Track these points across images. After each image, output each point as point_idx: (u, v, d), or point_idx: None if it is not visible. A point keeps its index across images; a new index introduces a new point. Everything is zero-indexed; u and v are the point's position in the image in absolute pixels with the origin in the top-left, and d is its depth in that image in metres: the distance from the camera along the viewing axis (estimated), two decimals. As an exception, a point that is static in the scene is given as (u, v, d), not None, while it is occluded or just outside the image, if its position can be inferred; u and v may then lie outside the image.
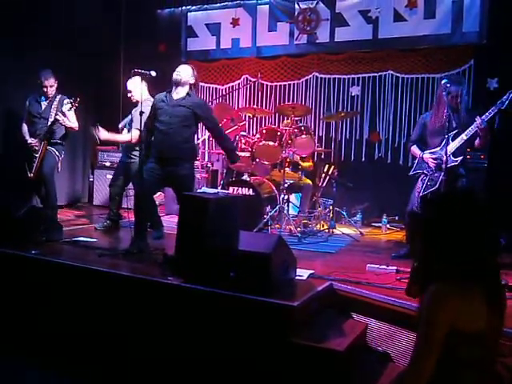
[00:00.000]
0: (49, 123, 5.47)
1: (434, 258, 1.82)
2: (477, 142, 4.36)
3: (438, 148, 4.45)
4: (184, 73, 4.52)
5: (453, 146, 4.34)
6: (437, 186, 4.38)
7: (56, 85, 5.63)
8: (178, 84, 4.50)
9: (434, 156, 4.48)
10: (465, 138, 4.30)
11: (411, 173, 4.73)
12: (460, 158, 4.36)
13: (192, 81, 4.57)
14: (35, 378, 3.53)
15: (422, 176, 4.60)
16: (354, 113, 6.81)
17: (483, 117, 4.15)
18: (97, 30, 7.35)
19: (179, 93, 4.53)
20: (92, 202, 7.54)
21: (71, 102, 5.45)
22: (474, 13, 6.05)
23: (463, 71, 6.25)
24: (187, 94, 4.54)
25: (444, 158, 4.19)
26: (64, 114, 5.47)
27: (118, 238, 5.36)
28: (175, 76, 4.49)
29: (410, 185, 5.47)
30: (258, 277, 3.25)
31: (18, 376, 3.53)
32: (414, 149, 4.72)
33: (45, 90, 5.55)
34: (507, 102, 4.08)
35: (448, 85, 4.23)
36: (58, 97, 5.62)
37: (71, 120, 5.58)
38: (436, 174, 4.43)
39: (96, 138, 5.20)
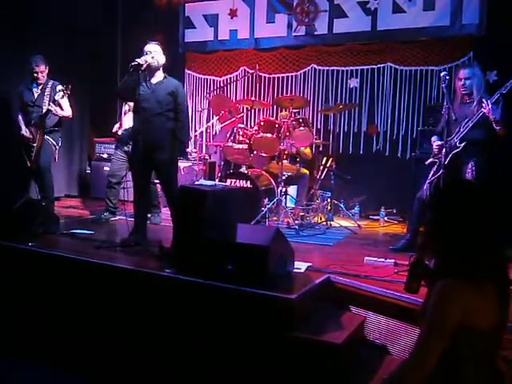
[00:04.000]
0: (41, 113, 5.40)
1: (444, 253, 1.80)
2: (497, 128, 4.26)
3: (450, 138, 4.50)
4: (159, 56, 4.44)
5: (462, 133, 4.36)
6: (440, 172, 4.37)
7: (47, 70, 5.52)
8: (157, 69, 4.45)
9: (439, 142, 4.49)
10: (470, 124, 4.31)
11: (427, 162, 4.69)
12: (463, 144, 4.33)
13: (164, 60, 4.50)
14: (35, 377, 3.52)
15: (435, 165, 4.61)
16: (352, 105, 6.79)
17: (489, 100, 4.19)
18: (94, 20, 7.30)
19: (157, 76, 4.48)
20: (89, 194, 7.52)
21: (63, 90, 5.38)
22: (473, 4, 6.02)
23: (462, 63, 6.21)
24: (164, 76, 4.51)
25: (443, 150, 4.25)
26: (57, 103, 5.40)
27: (116, 230, 5.34)
28: (152, 61, 4.36)
29: (408, 178, 5.47)
30: (255, 269, 3.24)
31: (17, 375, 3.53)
32: (432, 138, 4.74)
33: (35, 75, 5.44)
34: (509, 87, 4.15)
35: (447, 77, 4.28)
36: (50, 83, 5.52)
37: (64, 108, 5.52)
38: (442, 160, 4.43)
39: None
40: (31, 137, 5.41)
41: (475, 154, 4.37)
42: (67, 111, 5.57)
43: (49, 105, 5.38)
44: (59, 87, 5.45)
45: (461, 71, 4.49)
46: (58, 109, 5.43)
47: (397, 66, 6.66)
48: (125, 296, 3.56)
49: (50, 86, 5.51)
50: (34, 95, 5.51)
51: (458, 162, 4.38)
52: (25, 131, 5.43)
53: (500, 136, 4.30)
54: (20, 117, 5.57)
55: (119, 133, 5.70)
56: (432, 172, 4.54)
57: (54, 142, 5.54)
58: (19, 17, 6.36)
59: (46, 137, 5.47)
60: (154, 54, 4.41)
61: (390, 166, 6.58)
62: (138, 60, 4.26)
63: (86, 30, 7.16)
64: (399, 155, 6.66)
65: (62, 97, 5.41)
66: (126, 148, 5.58)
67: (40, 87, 5.51)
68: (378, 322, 3.32)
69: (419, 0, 6.32)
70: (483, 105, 4.21)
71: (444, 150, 4.32)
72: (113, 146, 7.00)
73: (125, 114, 5.66)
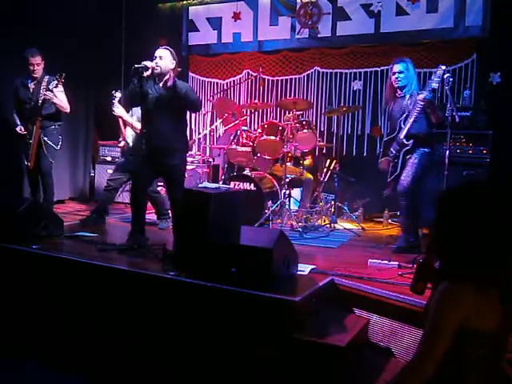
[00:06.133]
0: (38, 104, 5.33)
1: (447, 255, 1.78)
2: (432, 118, 4.51)
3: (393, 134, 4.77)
4: (163, 63, 4.31)
5: (405, 130, 4.55)
6: (397, 171, 4.65)
7: (43, 64, 5.44)
8: (160, 75, 4.32)
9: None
10: (411, 120, 4.47)
11: (380, 161, 4.98)
12: (411, 142, 4.53)
13: (172, 65, 4.35)
14: (35, 378, 3.52)
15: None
16: (355, 107, 6.78)
17: (424, 94, 4.37)
18: (98, 24, 7.32)
19: (163, 80, 4.36)
20: (93, 196, 7.54)
21: (57, 79, 5.29)
22: (476, 6, 6.01)
23: (466, 65, 6.22)
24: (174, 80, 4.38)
25: (397, 146, 4.66)
26: (52, 92, 5.33)
27: (120, 232, 5.34)
28: (155, 69, 4.26)
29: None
30: (259, 272, 3.24)
31: (17, 376, 3.52)
32: None
33: (31, 68, 5.34)
34: (439, 78, 4.36)
35: (451, 79, 4.56)
36: (46, 78, 5.42)
37: (61, 99, 5.45)
38: (396, 160, 4.70)
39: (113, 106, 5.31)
40: (25, 133, 5.35)
41: (417, 149, 4.55)
42: (64, 103, 5.49)
43: (44, 95, 5.29)
44: (54, 78, 5.34)
45: (394, 65, 4.65)
46: (53, 96, 5.32)
47: (400, 68, 6.65)
48: (128, 298, 3.57)
49: (45, 80, 5.40)
50: (29, 90, 5.43)
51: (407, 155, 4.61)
52: (19, 129, 5.38)
53: (436, 121, 4.50)
54: (15, 114, 5.50)
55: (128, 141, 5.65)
56: (390, 170, 4.76)
57: (54, 145, 5.51)
58: (19, 17, 6.36)
59: (46, 139, 5.44)
60: (160, 59, 4.30)
61: (394, 168, 6.56)
62: (145, 63, 4.21)
63: (88, 32, 7.18)
64: (403, 157, 6.64)
65: (56, 86, 5.31)
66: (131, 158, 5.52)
67: (36, 82, 5.41)
68: (382, 324, 3.31)
69: (423, 2, 6.32)
70: (420, 96, 4.37)
71: (397, 147, 4.63)
72: (117, 149, 7.03)
73: (125, 126, 5.63)
